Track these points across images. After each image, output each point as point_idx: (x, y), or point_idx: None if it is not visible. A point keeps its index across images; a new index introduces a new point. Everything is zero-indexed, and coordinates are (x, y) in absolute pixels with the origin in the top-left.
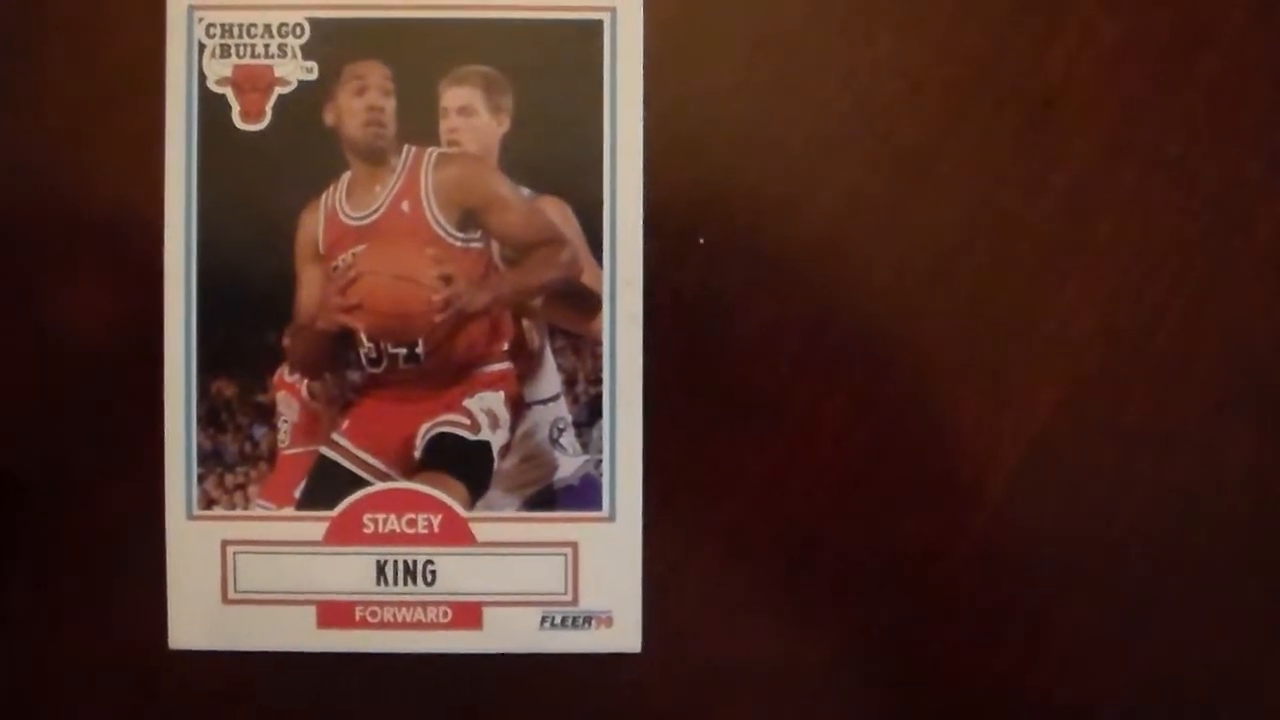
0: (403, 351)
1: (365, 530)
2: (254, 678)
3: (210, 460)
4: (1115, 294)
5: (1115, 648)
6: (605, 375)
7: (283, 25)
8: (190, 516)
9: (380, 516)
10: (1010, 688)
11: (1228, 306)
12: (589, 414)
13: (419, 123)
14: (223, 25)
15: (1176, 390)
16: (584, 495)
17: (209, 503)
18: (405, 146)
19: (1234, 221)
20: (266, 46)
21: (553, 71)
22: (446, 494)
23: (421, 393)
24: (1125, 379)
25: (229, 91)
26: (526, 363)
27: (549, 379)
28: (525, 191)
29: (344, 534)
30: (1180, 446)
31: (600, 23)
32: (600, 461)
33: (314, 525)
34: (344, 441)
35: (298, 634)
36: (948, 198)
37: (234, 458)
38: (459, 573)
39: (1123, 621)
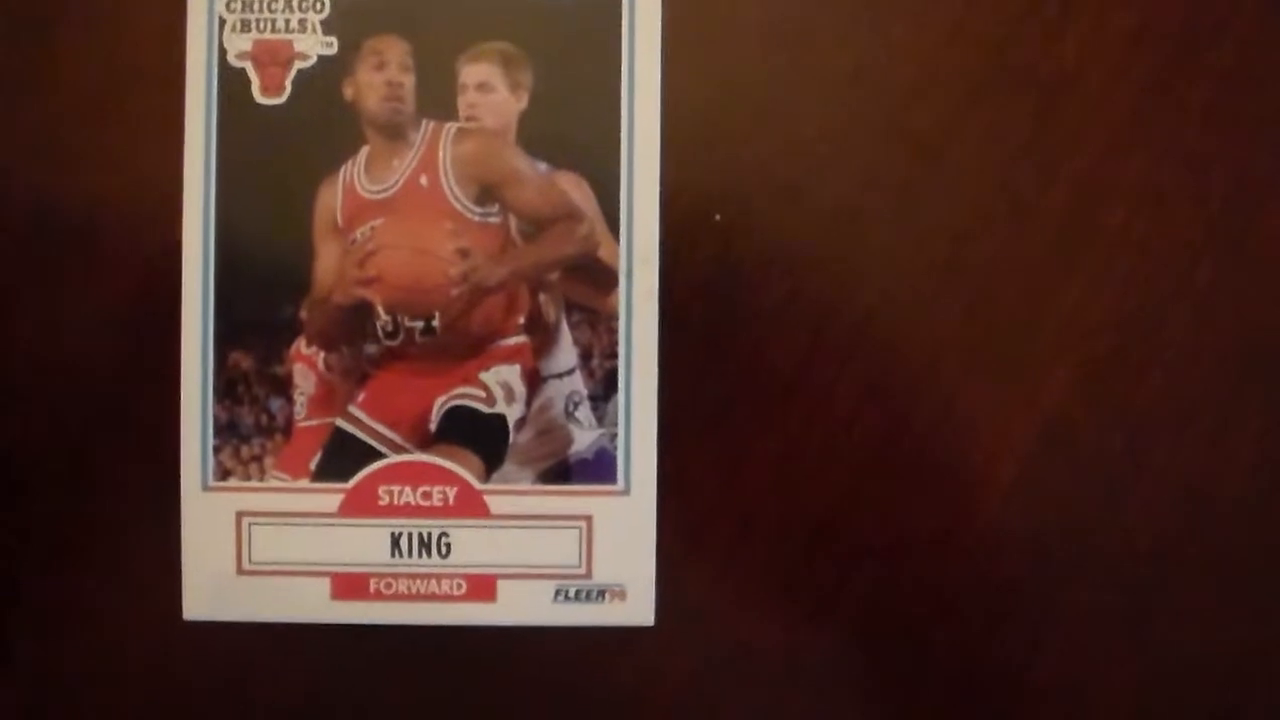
0: (419, 325)
1: (380, 502)
2: (268, 649)
3: (226, 432)
4: (1126, 281)
5: (1125, 633)
6: (621, 350)
7: (303, 0)
8: (205, 488)
9: (395, 489)
10: (1020, 671)
11: (1239, 294)
12: (604, 388)
13: (438, 98)
14: (243, 0)
15: (1187, 377)
16: (599, 469)
17: (224, 474)
18: (424, 121)
19: (1246, 209)
20: (286, 21)
21: (571, 48)
22: (462, 467)
23: (438, 366)
24: (1136, 365)
25: (249, 66)
26: (542, 337)
27: (565, 353)
28: (543, 167)
29: (359, 506)
30: (1191, 433)
31: (619, 0)
32: (615, 435)
33: (329, 497)
34: (360, 414)
35: (312, 606)
36: (960, 183)
37: (250, 429)
38: (474, 545)
39: (1133, 607)
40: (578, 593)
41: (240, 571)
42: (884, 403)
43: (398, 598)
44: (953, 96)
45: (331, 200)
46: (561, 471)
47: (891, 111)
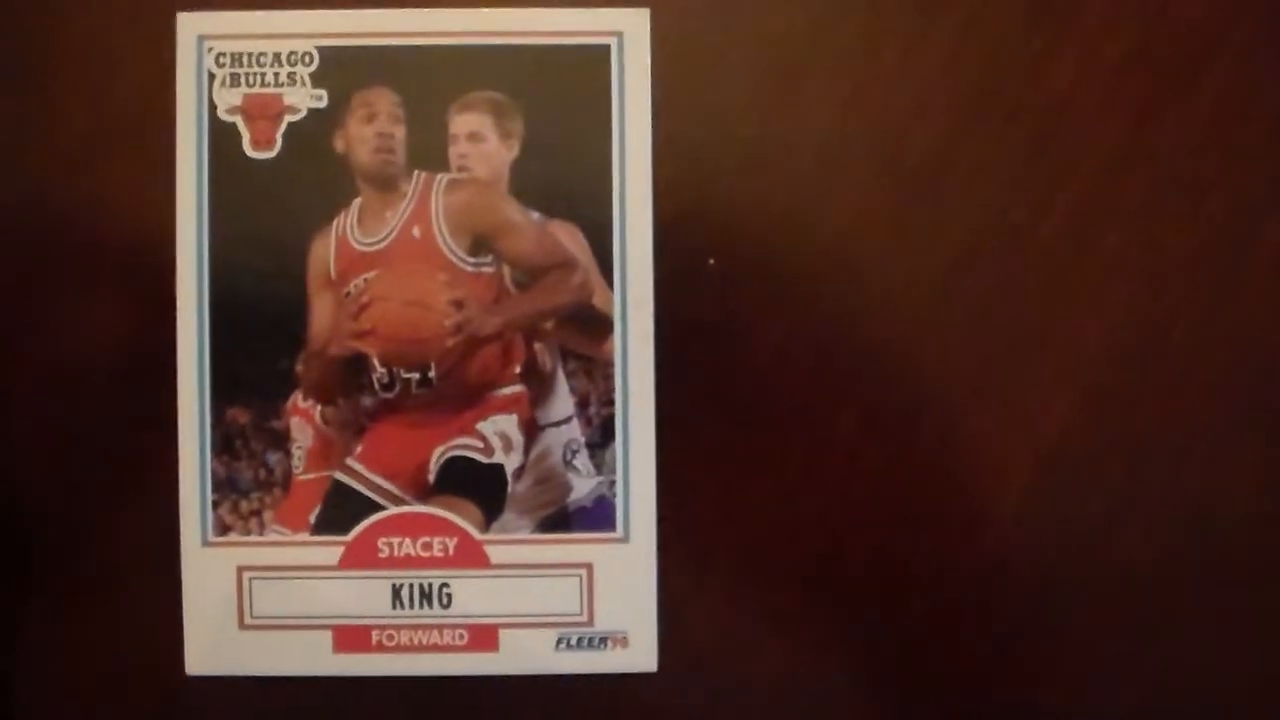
0: (415, 376)
1: (380, 554)
2: (271, 703)
3: (225, 487)
4: (1124, 308)
5: (1128, 659)
6: (618, 396)
7: (292, 54)
8: (205, 543)
9: (395, 540)
10: (1023, 703)
11: (1236, 319)
12: (602, 435)
13: (429, 149)
14: (232, 54)
15: (1186, 404)
16: (598, 516)
17: (224, 529)
18: (415, 173)
19: (1242, 234)
20: (276, 75)
21: (561, 96)
22: (461, 517)
23: (435, 417)
24: (1135, 393)
25: (239, 120)
26: (539, 385)
27: (562, 401)
28: (536, 215)
29: (359, 558)
30: (1190, 460)
31: (608, 47)
32: (614, 482)
33: (329, 550)
34: (358, 466)
35: (314, 659)
36: (956, 213)
37: (248, 484)
38: (474, 595)
39: (1134, 636)
40: (580, 640)
41: (242, 626)
42: (883, 437)
43: (400, 649)
44: (946, 126)
45: (325, 253)
46: (561, 520)
47: (885, 143)
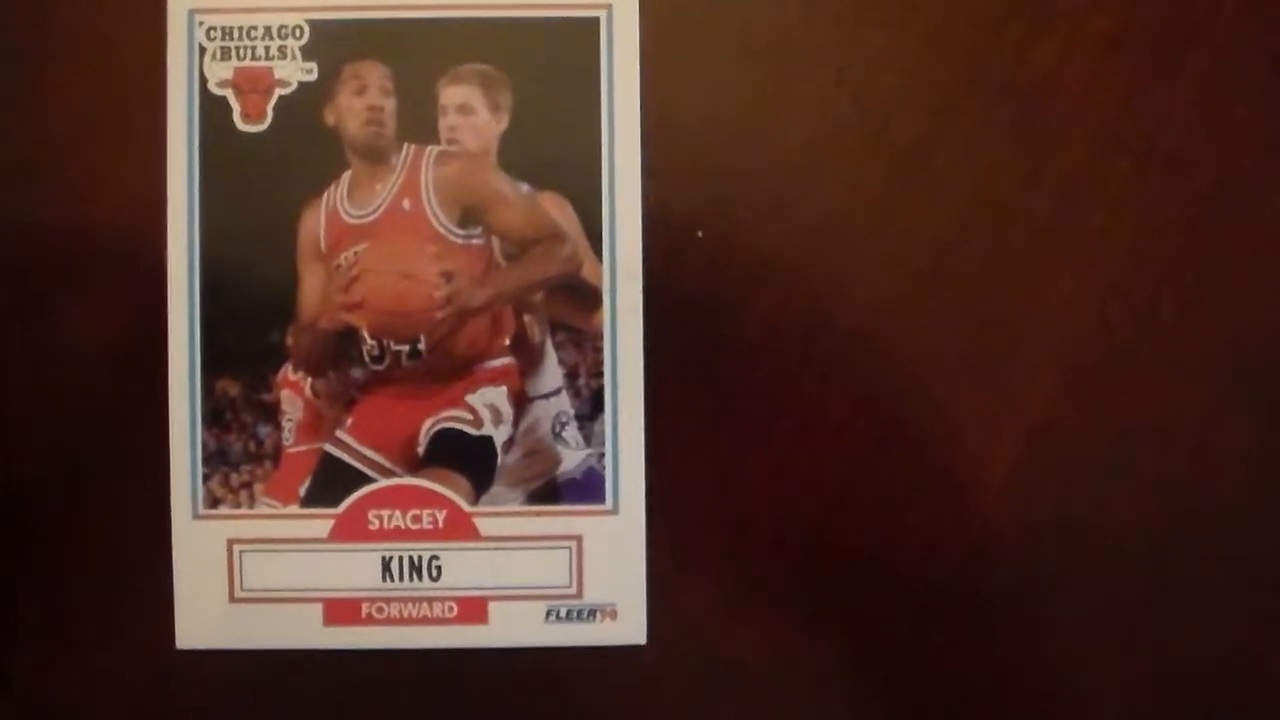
0: (405, 348)
1: (370, 527)
2: (262, 676)
3: (215, 459)
4: (1112, 285)
5: (1117, 636)
6: (607, 369)
7: (282, 27)
8: (196, 516)
9: (385, 513)
10: (1011, 679)
11: (1224, 297)
12: (591, 408)
13: (418, 121)
14: (223, 28)
15: (1174, 381)
16: (587, 489)
17: (214, 502)
18: (405, 145)
19: (1228, 213)
20: (266, 48)
21: (550, 69)
22: (450, 489)
23: (424, 389)
24: (1123, 370)
25: (230, 93)
26: (528, 358)
27: (551, 373)
28: (525, 188)
29: (349, 531)
30: (1178, 437)
31: (597, 20)
32: (603, 455)
33: (319, 523)
34: (348, 439)
35: (305, 632)
36: (943, 191)
37: (239, 456)
38: (464, 568)
39: (1122, 613)
40: (569, 613)
41: (232, 599)
42: (872, 413)
43: (390, 622)
44: (933, 105)
45: (315, 226)
46: (550, 492)
47: (872, 122)
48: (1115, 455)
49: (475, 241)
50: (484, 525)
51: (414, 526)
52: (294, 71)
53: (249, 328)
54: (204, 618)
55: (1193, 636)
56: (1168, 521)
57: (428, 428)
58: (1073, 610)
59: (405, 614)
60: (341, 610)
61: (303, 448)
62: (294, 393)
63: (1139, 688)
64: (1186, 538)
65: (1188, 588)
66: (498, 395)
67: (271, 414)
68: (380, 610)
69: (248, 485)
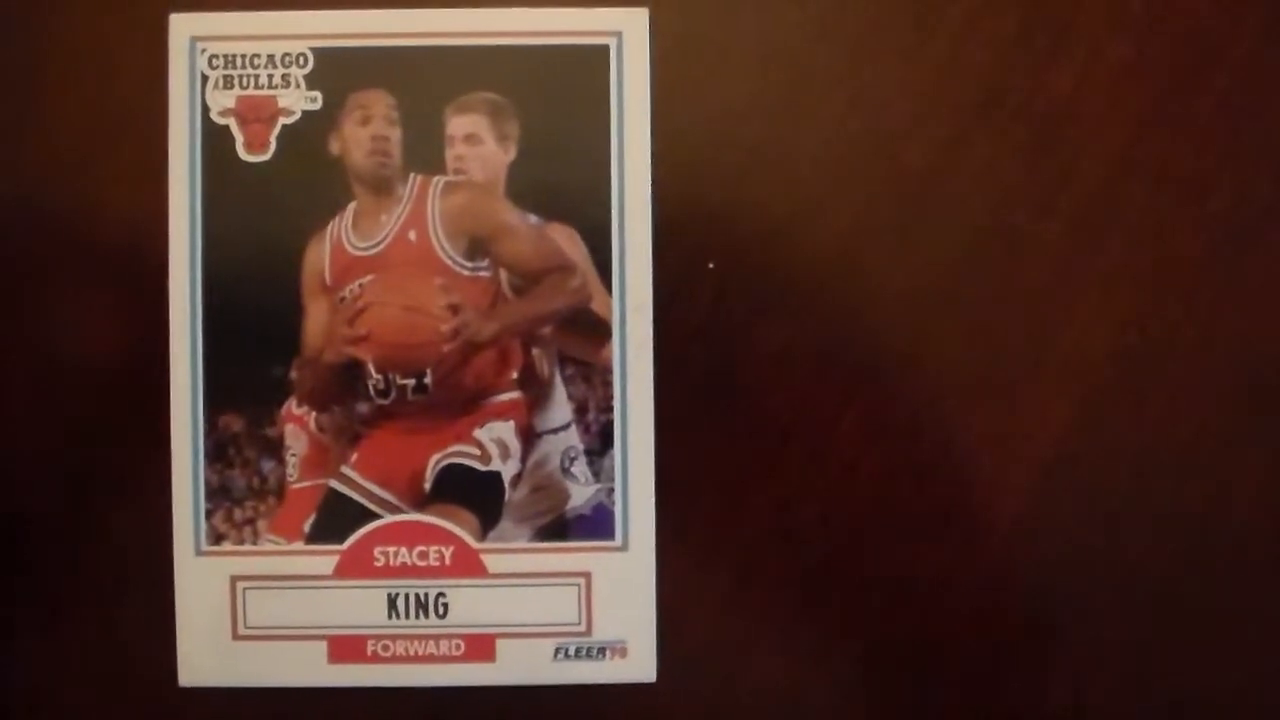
0: (411, 382)
1: (376, 563)
2: (266, 714)
3: (218, 495)
4: (1126, 314)
5: (1131, 670)
6: (616, 403)
7: (286, 55)
8: (199, 552)
9: (391, 549)
10: (1026, 708)
11: (1240, 324)
12: (600, 442)
13: (425, 151)
14: (225, 56)
15: (1189, 410)
16: (596, 524)
17: (218, 538)
18: (411, 175)
19: (1244, 239)
20: (270, 77)
21: (559, 98)
22: (457, 525)
23: (431, 424)
24: (1137, 399)
25: (232, 122)
26: (536, 392)
27: (559, 408)
28: (533, 219)
29: (355, 567)
30: (1193, 466)
31: (606, 48)
32: (612, 490)
33: (324, 559)
34: (353, 474)
35: (309, 669)
36: (957, 218)
37: (242, 492)
38: (471, 604)
39: (1138, 643)
40: (578, 650)
41: (235, 636)
42: (884, 445)
43: (396, 659)
44: (948, 130)
45: (319, 258)
46: (559, 528)
47: (886, 149)
48: (1129, 485)
49: (483, 273)
50: (491, 562)
51: (420, 563)
52: (298, 100)
53: (252, 361)
54: (206, 655)
55: (1208, 666)
56: (1183, 554)
57: (434, 463)
58: (1088, 639)
59: (411, 651)
60: (346, 648)
61: (307, 483)
62: (298, 427)
63: (1155, 715)
64: (1201, 568)
65: (1203, 620)
66: (505, 430)
67: (275, 449)
68: (386, 648)
69: (251, 521)
